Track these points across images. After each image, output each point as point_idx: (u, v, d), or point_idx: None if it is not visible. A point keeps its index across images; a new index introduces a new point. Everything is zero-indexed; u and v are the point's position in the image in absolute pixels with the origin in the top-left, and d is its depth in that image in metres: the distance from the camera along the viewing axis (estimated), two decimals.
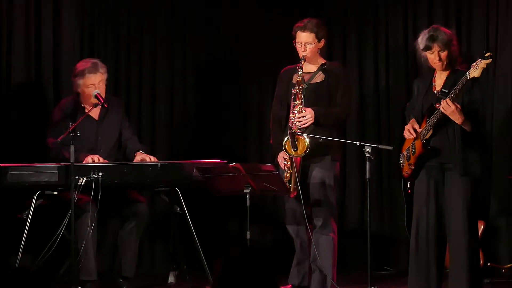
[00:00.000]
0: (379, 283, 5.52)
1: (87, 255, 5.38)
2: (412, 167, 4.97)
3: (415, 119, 5.01)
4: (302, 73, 5.31)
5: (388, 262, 6.57)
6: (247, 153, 6.91)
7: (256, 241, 6.15)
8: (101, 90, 5.59)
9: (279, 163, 5.41)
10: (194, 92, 6.91)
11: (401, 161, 5.09)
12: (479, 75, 4.63)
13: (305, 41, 5.34)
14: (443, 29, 4.94)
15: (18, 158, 5.50)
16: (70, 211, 5.10)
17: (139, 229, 5.66)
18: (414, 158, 4.96)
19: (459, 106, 4.72)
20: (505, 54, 6.22)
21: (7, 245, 5.70)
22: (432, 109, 4.85)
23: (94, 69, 5.59)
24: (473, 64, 4.63)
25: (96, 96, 5.54)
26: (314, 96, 5.36)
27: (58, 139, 5.20)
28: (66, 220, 5.20)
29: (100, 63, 5.66)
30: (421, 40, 4.90)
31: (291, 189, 5.28)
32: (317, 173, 5.37)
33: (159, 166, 5.49)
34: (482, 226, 5.88)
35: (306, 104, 5.29)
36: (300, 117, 5.28)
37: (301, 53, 5.35)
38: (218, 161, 5.60)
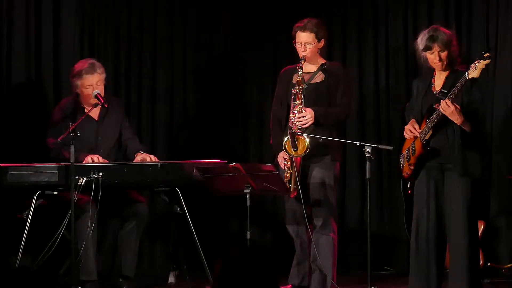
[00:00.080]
0: (379, 283, 5.52)
1: (87, 255, 5.38)
2: (412, 167, 4.97)
3: (415, 119, 5.01)
4: (302, 73, 5.31)
5: (388, 262, 6.57)
6: (247, 153, 6.91)
7: (256, 241, 6.15)
8: (99, 90, 5.59)
9: (279, 163, 5.41)
10: (194, 92, 6.91)
11: (401, 162, 5.10)
12: (478, 75, 4.63)
13: (305, 41, 5.34)
14: (443, 29, 4.95)
15: (18, 158, 5.50)
16: (70, 211, 5.10)
17: (139, 229, 5.66)
18: (414, 158, 4.96)
19: (458, 106, 4.72)
20: (505, 54, 6.22)
21: (7, 245, 5.69)
22: (432, 110, 4.85)
23: (91, 70, 5.59)
24: (472, 64, 4.64)
25: (96, 96, 5.54)
26: (314, 96, 5.36)
27: (58, 139, 5.20)
28: (66, 220, 5.20)
29: (97, 64, 5.66)
30: (421, 41, 4.91)
31: (291, 189, 5.28)
32: (317, 173, 5.37)
33: (159, 166, 5.49)
34: (482, 226, 5.88)
35: (306, 104, 5.29)
36: (300, 117, 5.28)
37: (301, 53, 5.35)
38: (218, 161, 5.60)
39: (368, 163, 4.96)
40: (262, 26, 6.91)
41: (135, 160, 5.65)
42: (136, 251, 5.70)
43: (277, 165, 5.38)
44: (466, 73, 4.65)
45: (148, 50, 6.76)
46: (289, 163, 5.32)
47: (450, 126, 4.82)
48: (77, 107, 5.68)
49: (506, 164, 6.21)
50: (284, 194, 5.36)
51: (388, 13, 6.69)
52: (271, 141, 5.59)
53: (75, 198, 5.12)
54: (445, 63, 4.90)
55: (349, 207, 6.74)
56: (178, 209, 5.65)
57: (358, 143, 5.06)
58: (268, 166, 5.09)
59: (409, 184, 5.03)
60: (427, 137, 4.88)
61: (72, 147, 5.07)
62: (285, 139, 5.28)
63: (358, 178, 6.65)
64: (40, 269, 5.20)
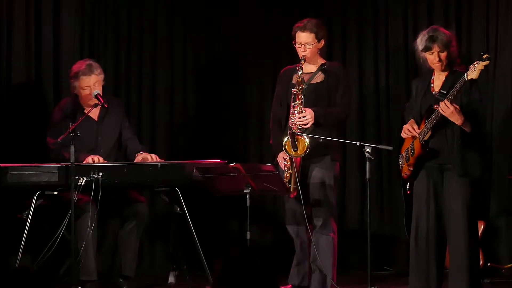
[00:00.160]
0: (379, 283, 5.52)
1: (87, 255, 5.38)
2: (411, 168, 4.97)
3: (414, 119, 5.01)
4: (302, 73, 5.31)
5: (388, 262, 6.57)
6: (247, 153, 6.92)
7: (256, 241, 6.15)
8: (98, 90, 5.59)
9: (279, 163, 5.41)
10: (194, 92, 6.91)
11: (400, 162, 5.10)
12: (477, 76, 4.64)
13: (305, 41, 5.34)
14: (442, 29, 4.95)
15: (18, 158, 5.50)
16: (70, 211, 5.10)
17: (139, 229, 5.66)
18: (413, 159, 4.96)
19: (458, 107, 4.72)
20: (505, 54, 6.22)
21: (7, 245, 5.69)
22: (431, 110, 4.85)
23: (88, 71, 5.59)
24: (471, 65, 4.64)
25: (96, 96, 5.54)
26: (314, 96, 5.36)
27: (58, 139, 5.20)
28: (66, 220, 5.20)
29: (95, 64, 5.65)
30: (421, 41, 4.91)
31: (291, 189, 5.28)
32: (317, 173, 5.37)
33: (159, 166, 5.49)
34: (482, 226, 5.88)
35: (306, 104, 5.29)
36: (300, 117, 5.27)
37: (300, 53, 5.35)
38: (218, 161, 5.60)
39: (368, 163, 4.96)
40: (262, 26, 6.91)
41: (136, 160, 5.65)
42: (136, 251, 5.70)
43: (277, 165, 5.38)
44: (465, 74, 4.65)
45: (148, 50, 6.76)
46: (289, 163, 5.32)
47: (449, 127, 4.82)
48: (76, 107, 5.68)
49: (506, 164, 6.21)
50: (284, 194, 5.36)
51: (388, 13, 6.69)
52: (271, 141, 5.59)
53: (75, 198, 5.12)
54: (444, 63, 4.90)
55: (349, 207, 6.74)
56: (178, 209, 5.65)
57: (358, 143, 5.06)
58: (268, 166, 5.09)
59: (408, 185, 5.03)
60: (426, 138, 4.88)
61: (72, 147, 5.07)
62: (285, 139, 5.28)
63: (358, 178, 6.65)
64: (40, 269, 5.20)
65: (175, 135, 6.86)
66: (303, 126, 5.28)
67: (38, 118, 6.10)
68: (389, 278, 6.22)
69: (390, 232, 6.60)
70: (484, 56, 4.60)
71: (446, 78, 4.91)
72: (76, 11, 6.43)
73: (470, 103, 4.81)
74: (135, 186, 5.61)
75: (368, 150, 4.95)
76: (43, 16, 6.29)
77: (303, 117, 5.27)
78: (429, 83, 4.99)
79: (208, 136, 6.85)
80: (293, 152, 5.26)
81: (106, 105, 5.54)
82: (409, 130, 4.96)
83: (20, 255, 5.21)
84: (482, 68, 4.61)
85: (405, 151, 5.03)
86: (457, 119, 4.72)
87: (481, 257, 5.28)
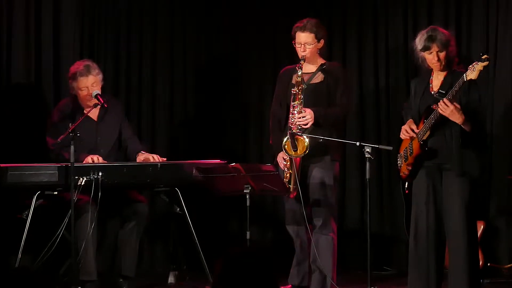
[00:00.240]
0: (379, 283, 5.52)
1: (87, 255, 5.38)
2: (410, 167, 4.97)
3: (413, 119, 5.01)
4: (302, 73, 5.31)
5: (388, 262, 6.57)
6: (247, 153, 6.92)
7: (256, 241, 6.15)
8: (97, 91, 5.59)
9: (279, 163, 5.41)
10: (194, 92, 6.91)
11: (398, 161, 5.10)
12: (476, 77, 4.64)
13: (305, 41, 5.33)
14: (441, 29, 4.95)
15: (18, 158, 5.50)
16: (70, 211, 5.10)
17: (139, 229, 5.66)
18: (411, 158, 4.96)
19: (458, 105, 4.72)
20: (505, 54, 6.22)
21: (7, 245, 5.69)
22: (430, 110, 4.85)
23: (86, 72, 5.59)
24: (470, 66, 4.64)
25: (96, 97, 5.54)
26: (314, 96, 5.35)
27: (58, 139, 5.20)
28: (66, 220, 5.20)
29: (92, 65, 5.66)
30: (419, 41, 4.91)
31: (291, 189, 5.28)
32: (316, 173, 5.37)
33: (159, 166, 5.49)
34: (482, 226, 5.88)
35: (306, 104, 5.29)
36: (299, 118, 5.27)
37: (300, 53, 5.35)
38: (218, 161, 5.60)
39: (368, 163, 4.96)
40: (262, 26, 6.91)
41: (138, 160, 5.65)
42: (136, 250, 5.70)
43: (277, 165, 5.38)
44: (464, 75, 4.65)
45: (148, 50, 6.76)
46: (288, 163, 5.31)
47: (448, 127, 4.82)
48: (76, 108, 5.69)
49: (506, 164, 6.21)
50: (283, 194, 5.36)
51: (388, 13, 6.69)
52: (270, 141, 5.59)
53: (75, 198, 5.12)
54: (443, 63, 4.90)
55: (349, 207, 6.74)
56: (178, 209, 5.65)
57: (358, 143, 5.06)
58: (268, 166, 5.09)
59: (406, 184, 5.04)
60: (425, 138, 4.88)
61: (72, 147, 5.07)
62: (285, 139, 5.28)
63: (358, 178, 6.65)
64: (40, 269, 5.20)
65: (175, 135, 6.86)
66: (303, 126, 5.28)
67: (38, 118, 6.10)
68: (389, 278, 6.22)
69: (390, 232, 6.60)
70: (483, 57, 4.60)
71: (445, 78, 4.92)
72: (76, 11, 6.43)
73: (469, 103, 4.81)
74: (135, 186, 5.61)
75: (368, 150, 4.95)
76: (43, 16, 6.29)
77: (303, 117, 5.27)
78: (427, 83, 4.99)
79: (208, 136, 6.85)
80: (293, 152, 5.26)
81: (106, 105, 5.55)
82: (407, 131, 4.96)
83: (20, 255, 5.22)
84: (481, 69, 4.61)
85: (404, 150, 5.03)
86: (457, 118, 4.72)
87: (481, 257, 5.28)
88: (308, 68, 5.43)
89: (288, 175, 5.31)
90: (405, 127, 4.99)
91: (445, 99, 4.70)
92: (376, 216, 6.57)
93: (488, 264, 5.98)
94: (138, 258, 5.84)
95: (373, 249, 5.06)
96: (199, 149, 6.70)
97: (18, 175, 5.20)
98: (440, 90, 4.84)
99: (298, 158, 5.29)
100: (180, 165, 5.60)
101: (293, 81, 5.36)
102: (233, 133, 6.95)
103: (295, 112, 5.29)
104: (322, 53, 5.49)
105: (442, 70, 4.93)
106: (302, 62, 5.32)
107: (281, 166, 5.38)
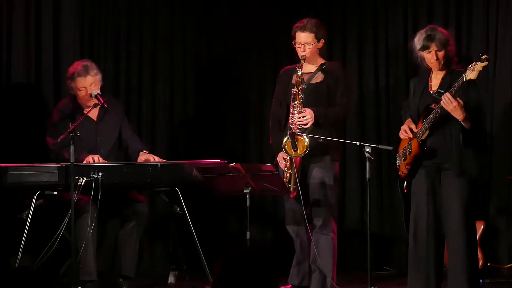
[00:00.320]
0: (379, 283, 5.52)
1: (87, 255, 5.38)
2: (409, 167, 4.97)
3: (411, 118, 5.02)
4: (302, 73, 5.31)
5: (388, 262, 6.57)
6: (247, 153, 6.92)
7: (256, 241, 6.15)
8: (97, 91, 5.59)
9: (279, 163, 5.41)
10: (194, 92, 6.91)
11: (397, 161, 5.10)
12: (475, 77, 4.64)
13: (305, 41, 5.33)
14: (440, 29, 4.95)
15: (18, 158, 5.50)
16: (70, 211, 5.10)
17: (139, 229, 5.66)
18: (410, 158, 4.96)
19: (461, 102, 4.71)
20: (505, 54, 6.22)
21: (7, 245, 5.69)
22: (429, 110, 4.85)
23: (84, 72, 5.59)
24: (470, 66, 4.64)
25: (96, 96, 5.54)
26: (314, 96, 5.35)
27: (58, 139, 5.20)
28: (66, 220, 5.20)
29: (91, 65, 5.66)
30: (418, 40, 4.91)
31: (291, 189, 5.28)
32: (316, 173, 5.37)
33: (159, 166, 5.49)
34: (482, 226, 5.88)
35: (306, 104, 5.29)
36: (299, 117, 5.27)
37: (300, 53, 5.35)
38: (218, 161, 5.60)
39: (368, 163, 4.96)
40: (262, 26, 6.91)
41: (139, 159, 5.65)
42: (136, 250, 5.70)
43: (277, 165, 5.38)
44: (464, 75, 4.65)
45: (148, 50, 6.77)
46: (288, 163, 5.31)
47: (447, 126, 4.82)
48: (76, 108, 5.69)
49: (506, 164, 6.21)
50: (283, 194, 5.36)
51: (388, 13, 6.69)
52: (270, 141, 5.59)
53: (75, 198, 5.12)
54: (442, 62, 4.90)
55: (349, 207, 6.74)
56: (178, 209, 5.65)
57: (358, 143, 5.06)
58: (268, 166, 5.09)
59: (405, 183, 5.04)
60: (423, 137, 4.88)
61: (72, 147, 5.07)
62: (285, 139, 5.28)
63: (358, 178, 6.65)
64: (40, 269, 5.20)
65: (175, 135, 6.86)
66: (303, 126, 5.28)
67: (38, 118, 6.10)
68: (389, 278, 6.22)
69: (390, 232, 6.60)
70: (482, 57, 4.60)
71: (444, 77, 4.92)
72: (76, 11, 6.43)
73: (468, 102, 4.81)
74: (135, 186, 5.62)
75: (368, 150, 4.95)
76: (43, 16, 6.29)
77: (303, 117, 5.27)
78: (426, 82, 4.99)
79: (208, 136, 6.85)
80: (293, 152, 5.26)
81: (106, 105, 5.55)
82: (405, 131, 4.96)
83: (20, 255, 5.22)
84: (481, 69, 4.62)
85: (403, 149, 5.03)
86: (459, 114, 4.71)
87: (481, 257, 5.28)
88: (308, 68, 5.43)
89: (288, 175, 5.31)
90: (404, 127, 4.99)
91: (448, 94, 4.69)
92: (376, 216, 6.57)
93: (488, 264, 5.98)
94: (138, 258, 5.84)
95: (373, 249, 5.06)
96: (199, 149, 6.70)
97: (18, 175, 5.20)
98: (439, 90, 4.84)
99: (298, 158, 5.29)
100: (180, 165, 5.60)
101: (293, 81, 5.36)
102: (233, 133, 6.96)
103: (295, 112, 5.29)
104: (322, 53, 5.49)
105: (441, 70, 4.94)
106: (302, 62, 5.32)
107: (281, 166, 5.38)
